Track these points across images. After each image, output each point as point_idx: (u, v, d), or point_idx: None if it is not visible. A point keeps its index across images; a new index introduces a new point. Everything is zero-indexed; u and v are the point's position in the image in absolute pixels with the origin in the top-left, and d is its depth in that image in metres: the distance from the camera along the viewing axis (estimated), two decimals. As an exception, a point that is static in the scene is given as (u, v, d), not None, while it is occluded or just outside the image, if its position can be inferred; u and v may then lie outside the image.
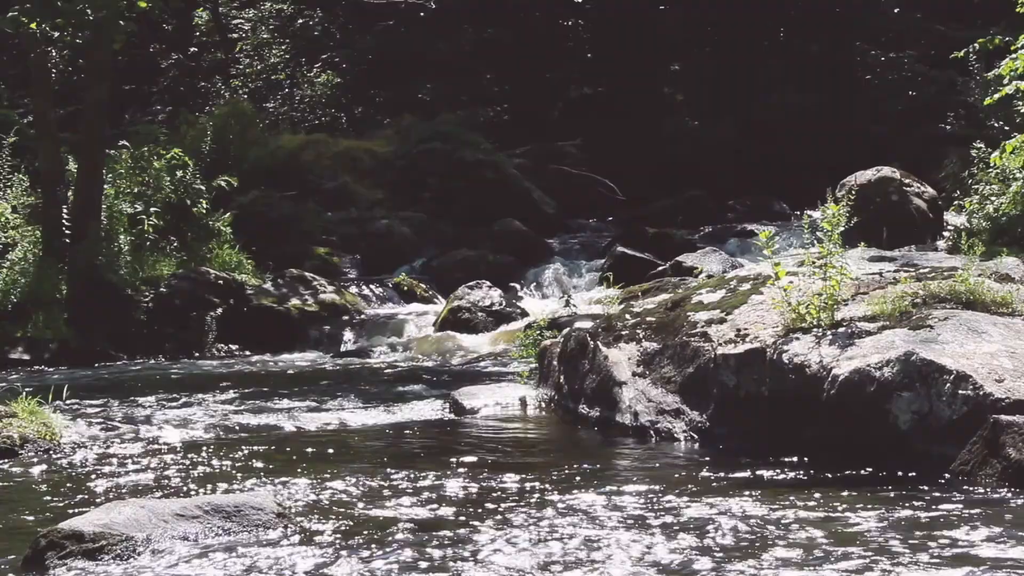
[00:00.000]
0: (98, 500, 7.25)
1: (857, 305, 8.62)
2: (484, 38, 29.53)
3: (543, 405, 10.34)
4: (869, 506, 6.70)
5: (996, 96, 14.24)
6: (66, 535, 5.96)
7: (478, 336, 15.96)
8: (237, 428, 10.15)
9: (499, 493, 7.26)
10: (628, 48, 28.30)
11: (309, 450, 9.03)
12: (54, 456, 8.92)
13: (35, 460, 8.78)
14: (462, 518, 6.69)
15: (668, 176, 24.65)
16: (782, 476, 7.53)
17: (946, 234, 17.97)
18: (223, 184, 19.74)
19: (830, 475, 7.47)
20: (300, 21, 30.92)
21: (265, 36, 30.91)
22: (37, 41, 16.54)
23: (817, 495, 6.95)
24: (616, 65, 28.83)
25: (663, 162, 25.45)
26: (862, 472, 7.46)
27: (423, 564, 5.85)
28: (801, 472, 7.57)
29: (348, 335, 16.87)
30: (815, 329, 8.35)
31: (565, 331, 10.63)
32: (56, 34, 15.51)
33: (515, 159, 24.39)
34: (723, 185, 24.23)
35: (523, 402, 10.48)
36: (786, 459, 7.81)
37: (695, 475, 7.67)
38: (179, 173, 18.77)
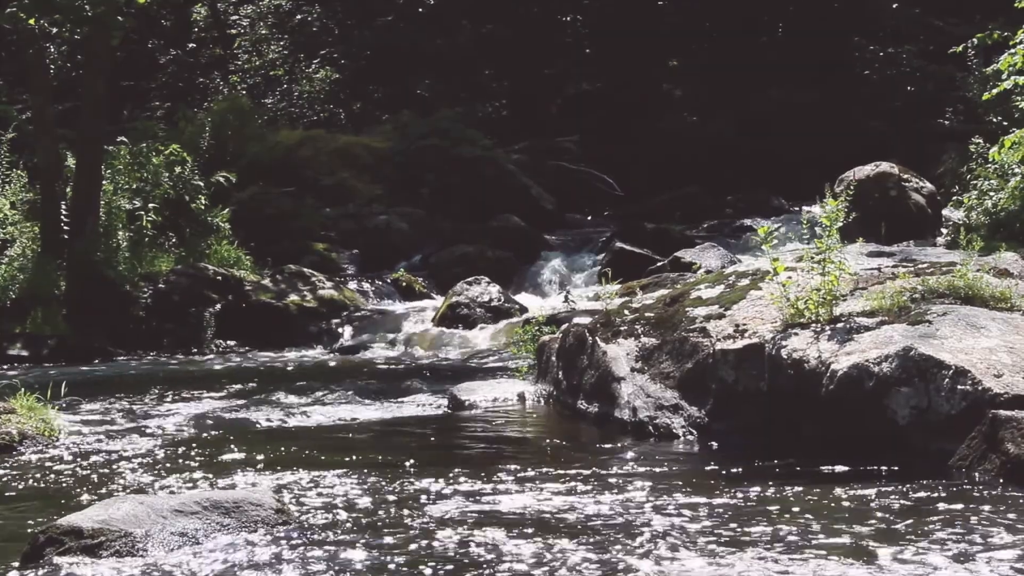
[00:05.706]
0: (97, 496, 7.25)
1: (856, 300, 8.62)
2: (482, 34, 29.52)
3: (541, 400, 10.34)
4: (867, 501, 6.70)
5: (995, 91, 14.26)
6: (65, 531, 5.95)
7: (476, 332, 15.96)
8: (236, 424, 10.15)
9: (498, 488, 7.26)
10: (626, 44, 28.29)
11: (308, 446, 9.03)
12: (53, 452, 8.92)
13: (34, 456, 8.78)
14: (461, 513, 6.69)
15: (666, 172, 24.65)
16: (780, 471, 7.53)
17: (945, 229, 17.98)
18: (221, 180, 19.75)
19: (828, 470, 7.47)
20: (298, 17, 30.93)
21: (263, 32, 30.93)
22: (35, 37, 16.54)
23: (815, 490, 6.95)
24: (614, 61, 28.82)
25: (661, 158, 25.45)
26: (861, 467, 7.46)
27: (423, 559, 5.85)
28: (799, 467, 7.56)
29: (346, 331, 16.88)
30: (814, 324, 8.34)
31: (564, 327, 10.63)
32: (54, 30, 15.50)
33: (513, 155, 24.39)
34: (721, 181, 24.21)
35: (521, 397, 10.49)
36: (784, 454, 7.80)
37: (693, 470, 7.67)
38: (177, 169, 18.79)
